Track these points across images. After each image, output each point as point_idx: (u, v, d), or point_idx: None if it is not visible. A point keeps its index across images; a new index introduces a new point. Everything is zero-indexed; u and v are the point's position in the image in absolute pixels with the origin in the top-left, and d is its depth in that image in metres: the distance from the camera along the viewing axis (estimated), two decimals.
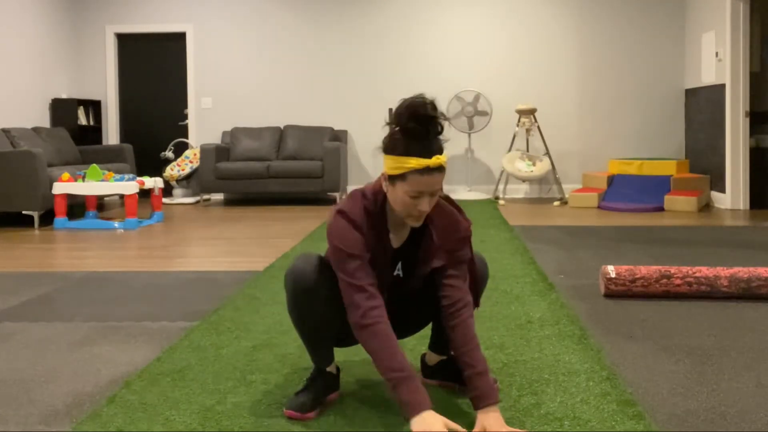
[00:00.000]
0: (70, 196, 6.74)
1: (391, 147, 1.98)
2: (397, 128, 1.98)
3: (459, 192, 8.75)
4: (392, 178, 2.00)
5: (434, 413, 1.88)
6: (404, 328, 2.37)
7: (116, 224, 6.52)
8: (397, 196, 2.01)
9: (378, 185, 2.09)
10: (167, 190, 9.21)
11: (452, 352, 2.14)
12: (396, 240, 2.14)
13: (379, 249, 2.08)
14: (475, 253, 2.29)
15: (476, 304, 2.27)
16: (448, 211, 2.14)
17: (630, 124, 8.83)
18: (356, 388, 2.40)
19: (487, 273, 2.32)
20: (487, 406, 2.00)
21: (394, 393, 1.92)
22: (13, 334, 3.12)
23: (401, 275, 2.18)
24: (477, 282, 2.25)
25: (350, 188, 9.07)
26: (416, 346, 2.83)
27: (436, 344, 2.38)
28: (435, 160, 1.94)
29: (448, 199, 2.19)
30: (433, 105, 1.95)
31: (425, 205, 1.99)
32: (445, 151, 2.01)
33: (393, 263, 2.16)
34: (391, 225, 2.12)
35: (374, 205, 2.07)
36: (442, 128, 1.99)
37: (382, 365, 1.93)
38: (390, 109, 8.76)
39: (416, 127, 1.94)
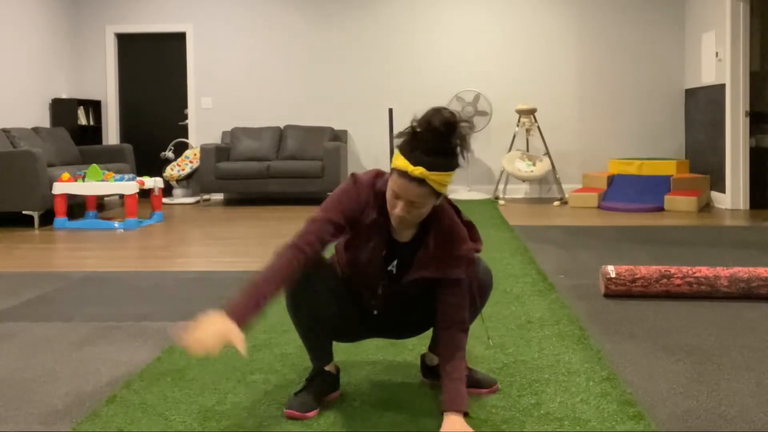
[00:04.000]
0: (70, 196, 6.74)
1: (398, 141, 2.00)
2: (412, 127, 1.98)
3: (459, 192, 8.75)
4: (391, 171, 2.03)
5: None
6: (408, 329, 2.37)
7: (116, 224, 6.52)
8: (388, 188, 2.03)
9: (384, 176, 2.13)
10: (167, 190, 9.21)
11: (437, 357, 2.16)
12: (399, 235, 2.14)
13: (374, 230, 2.09)
14: (479, 259, 2.27)
15: (479, 311, 2.29)
16: (456, 230, 2.11)
17: (630, 124, 8.83)
18: (356, 388, 2.40)
19: (491, 283, 2.29)
20: (452, 412, 2.01)
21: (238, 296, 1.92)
22: (14, 334, 3.12)
23: (394, 272, 2.17)
24: (480, 290, 2.25)
25: None
26: (417, 346, 2.83)
27: (435, 345, 2.38)
28: (416, 170, 1.91)
29: (469, 224, 2.16)
30: (447, 121, 1.90)
31: (399, 209, 1.98)
32: (450, 175, 1.95)
33: (390, 256, 2.16)
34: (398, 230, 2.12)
35: (383, 187, 2.08)
36: (450, 148, 1.93)
37: (258, 279, 1.94)
38: (390, 110, 8.75)
39: (421, 132, 1.93)
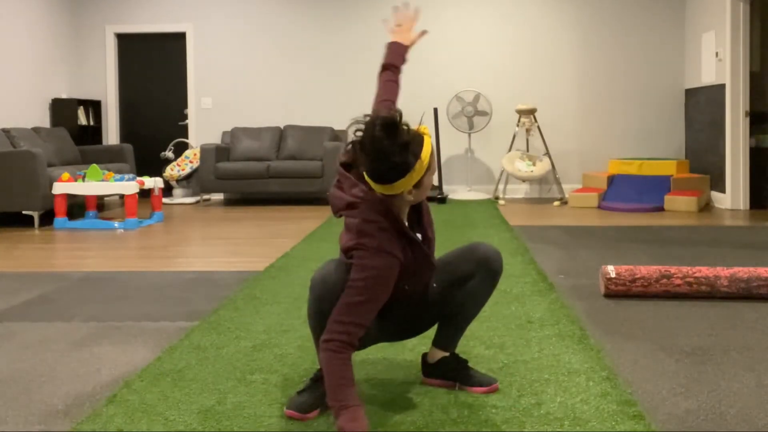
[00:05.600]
0: (70, 196, 6.74)
1: (401, 170, 2.02)
2: (390, 152, 2.00)
3: (459, 192, 8.75)
4: (418, 182, 2.08)
5: None
6: (416, 326, 2.39)
7: (116, 224, 6.52)
8: (426, 186, 2.13)
9: (373, 207, 2.09)
10: (167, 190, 9.21)
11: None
12: (405, 217, 2.20)
13: (409, 255, 2.13)
14: (489, 246, 2.35)
15: (490, 294, 2.36)
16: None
17: (630, 124, 8.83)
18: (356, 388, 2.40)
19: (501, 266, 2.34)
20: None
21: (335, 418, 1.96)
22: (14, 334, 3.12)
23: (421, 238, 2.23)
24: (492, 273, 2.31)
25: None
26: (417, 345, 2.83)
27: (440, 339, 2.40)
28: (427, 135, 2.10)
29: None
30: (380, 126, 2.00)
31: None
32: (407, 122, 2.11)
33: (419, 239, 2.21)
34: (405, 219, 2.19)
35: (388, 221, 2.09)
36: (396, 128, 2.04)
37: (330, 391, 1.98)
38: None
39: (392, 144, 2.00)
